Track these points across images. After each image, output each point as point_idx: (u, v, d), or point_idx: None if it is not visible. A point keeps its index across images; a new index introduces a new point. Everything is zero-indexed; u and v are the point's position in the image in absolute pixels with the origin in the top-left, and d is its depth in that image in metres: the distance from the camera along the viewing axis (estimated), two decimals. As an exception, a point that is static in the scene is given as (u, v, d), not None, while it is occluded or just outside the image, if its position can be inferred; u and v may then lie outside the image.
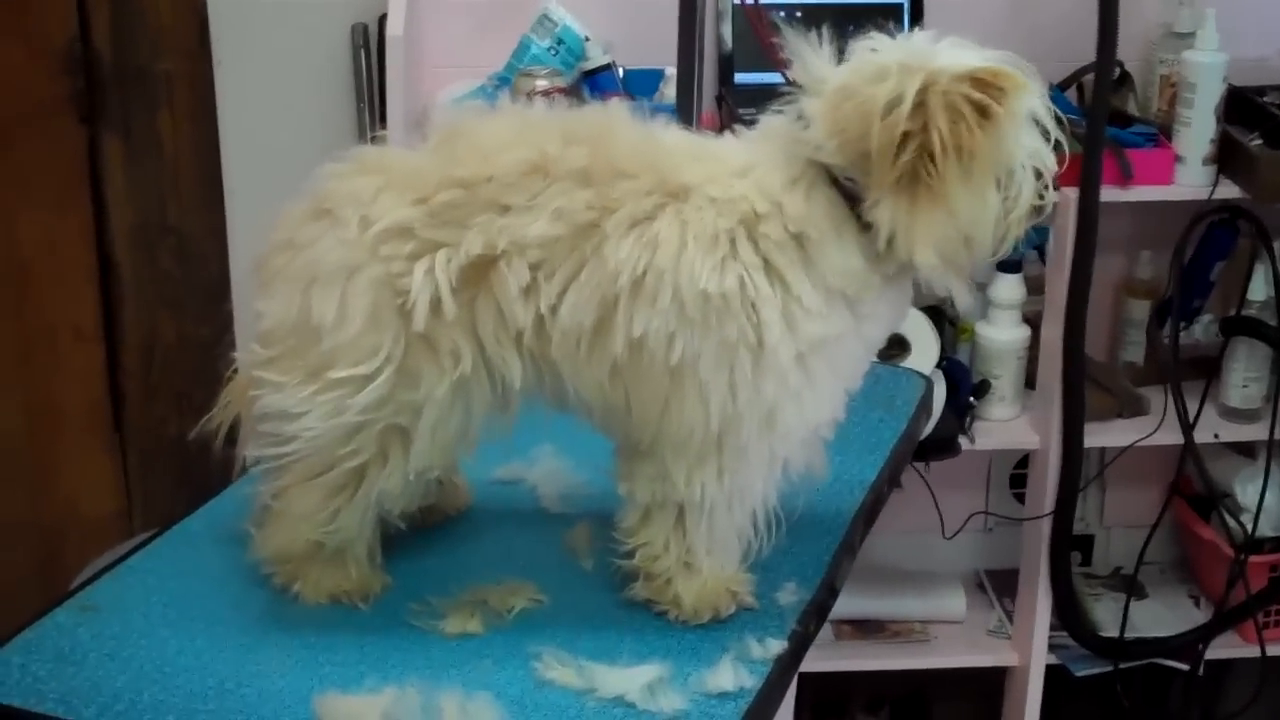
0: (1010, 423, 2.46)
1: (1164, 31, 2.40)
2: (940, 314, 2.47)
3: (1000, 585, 2.71)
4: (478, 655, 1.25)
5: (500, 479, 1.52)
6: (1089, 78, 2.29)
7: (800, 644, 1.29)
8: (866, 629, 2.62)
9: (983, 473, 2.71)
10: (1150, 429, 2.41)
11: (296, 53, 2.52)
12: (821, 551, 1.40)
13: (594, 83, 2.32)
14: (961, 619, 2.64)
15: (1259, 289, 2.42)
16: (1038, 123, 1.20)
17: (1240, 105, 2.33)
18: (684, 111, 2.05)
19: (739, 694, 1.20)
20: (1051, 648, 2.54)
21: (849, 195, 1.20)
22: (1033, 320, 2.46)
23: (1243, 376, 2.44)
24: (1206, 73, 2.26)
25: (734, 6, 2.40)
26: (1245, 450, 2.57)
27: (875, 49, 1.21)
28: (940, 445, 2.29)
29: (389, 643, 1.27)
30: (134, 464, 2.78)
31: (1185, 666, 2.57)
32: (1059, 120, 1.21)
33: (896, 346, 2.28)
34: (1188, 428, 2.39)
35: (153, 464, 2.78)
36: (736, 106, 2.30)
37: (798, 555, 1.37)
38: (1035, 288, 2.45)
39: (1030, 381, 2.47)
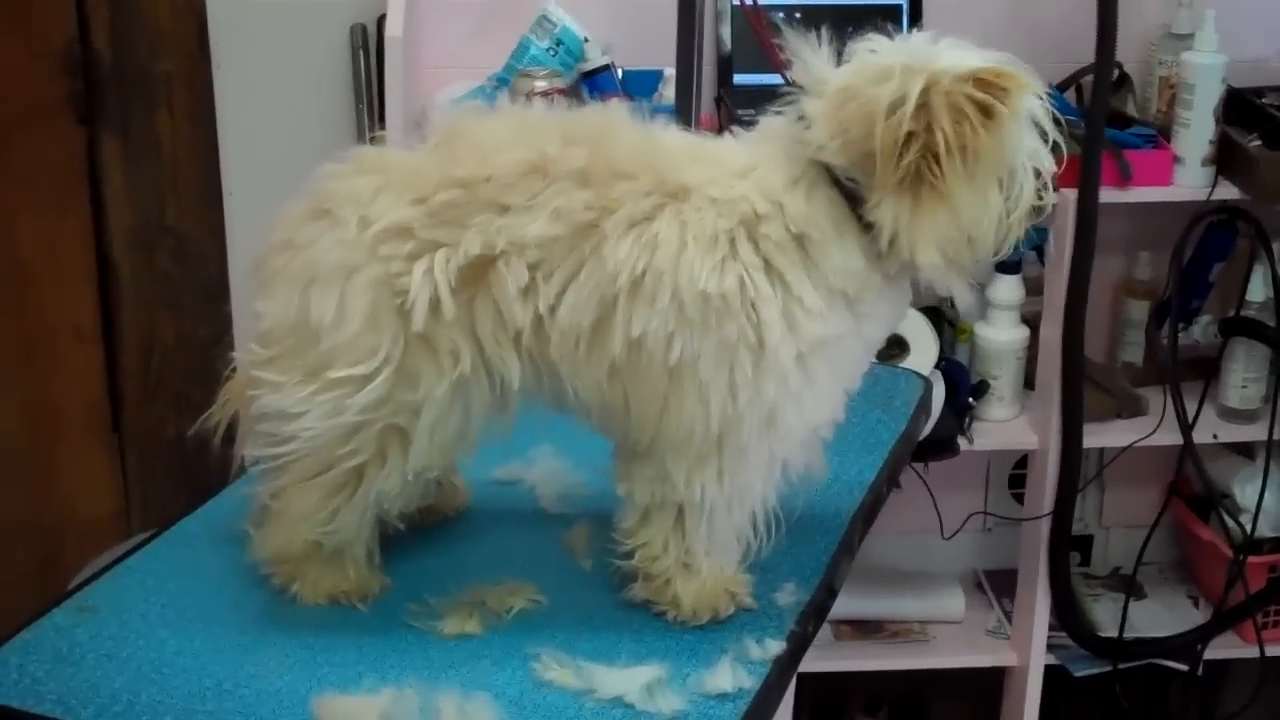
0: (1009, 423, 2.47)
1: (1163, 33, 2.40)
2: (939, 315, 2.48)
3: (999, 585, 2.71)
4: (476, 656, 1.25)
5: (499, 479, 1.52)
6: (1088, 79, 2.30)
7: (799, 645, 1.29)
8: (865, 629, 2.62)
9: (981, 473, 2.71)
10: (1149, 429, 2.42)
11: (295, 54, 2.52)
12: (820, 552, 1.40)
13: (593, 83, 2.32)
14: (960, 619, 2.64)
15: (1258, 290, 2.42)
16: (1036, 124, 1.20)
17: (1239, 106, 2.33)
18: (683, 112, 2.05)
19: (738, 695, 1.20)
20: (1050, 648, 2.54)
21: (850, 195, 1.20)
22: (1031, 321, 2.46)
23: (1241, 377, 2.44)
24: (1205, 74, 2.26)
25: (733, 7, 2.40)
26: (1244, 451, 2.57)
27: (874, 50, 1.21)
28: (939, 445, 2.29)
29: (387, 643, 1.27)
30: (132, 464, 2.78)
31: (1184, 667, 2.57)
32: (1057, 121, 1.21)
33: (895, 347, 2.28)
34: (1186, 428, 2.39)
35: (151, 464, 2.78)
36: (735, 107, 2.30)
37: (796, 556, 1.37)
38: (1034, 288, 2.45)
39: (1029, 382, 2.48)
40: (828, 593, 1.37)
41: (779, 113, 1.25)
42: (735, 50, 2.41)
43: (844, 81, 1.20)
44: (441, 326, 1.22)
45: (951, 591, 2.67)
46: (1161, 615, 2.63)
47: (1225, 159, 2.30)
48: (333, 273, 1.23)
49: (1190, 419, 2.40)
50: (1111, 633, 2.55)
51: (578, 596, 1.33)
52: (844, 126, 1.18)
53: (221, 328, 2.64)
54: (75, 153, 2.62)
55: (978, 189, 1.17)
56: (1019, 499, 2.66)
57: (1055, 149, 1.21)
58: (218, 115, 2.56)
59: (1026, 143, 1.19)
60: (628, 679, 1.20)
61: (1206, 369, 2.47)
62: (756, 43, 1.75)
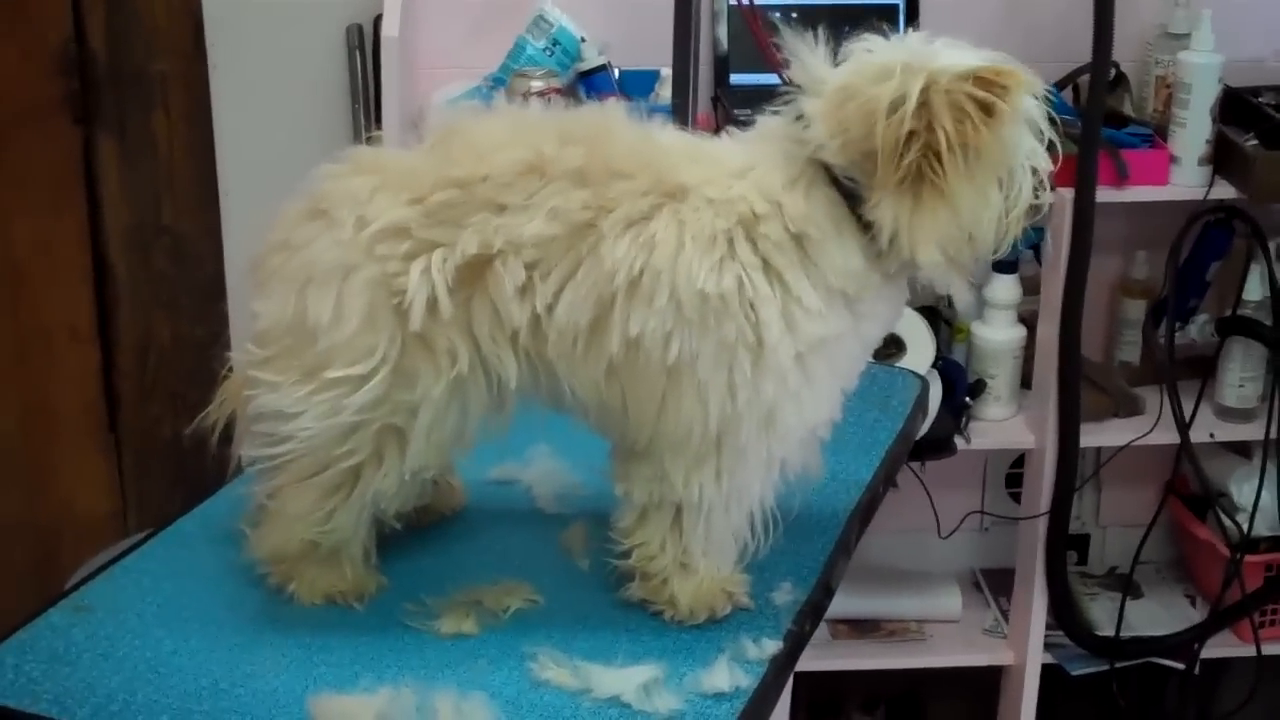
0: (1006, 422, 2.47)
1: (1159, 32, 2.41)
2: (936, 314, 2.48)
3: (996, 584, 2.71)
4: (473, 655, 1.25)
5: (495, 479, 1.52)
6: (1085, 78, 2.30)
7: (796, 644, 1.29)
8: (862, 628, 2.62)
9: (978, 472, 2.71)
10: (1146, 429, 2.42)
11: (291, 54, 2.52)
12: (817, 551, 1.40)
13: (589, 83, 2.32)
14: (957, 618, 2.64)
15: (1254, 289, 2.42)
16: (1032, 123, 1.20)
17: (1236, 106, 2.33)
18: (679, 112, 2.05)
19: (734, 694, 1.20)
20: (1047, 647, 2.54)
21: (849, 195, 1.21)
22: (1028, 320, 2.46)
23: (1238, 376, 2.44)
24: (1202, 73, 2.26)
25: (730, 7, 2.40)
26: (1241, 450, 2.57)
27: (870, 50, 1.21)
28: (936, 445, 2.29)
29: (384, 643, 1.27)
30: (129, 464, 2.78)
31: (1181, 666, 2.57)
32: (1052, 120, 1.21)
33: (892, 346, 2.28)
34: (1183, 427, 2.40)
35: (148, 464, 2.78)
36: (732, 107, 2.29)
37: (793, 555, 1.37)
38: (1031, 288, 2.45)
39: (1026, 381, 2.48)
40: (824, 592, 1.37)
41: (776, 112, 1.26)
42: (732, 50, 2.41)
43: (843, 81, 1.20)
44: (439, 326, 1.22)
45: (948, 591, 2.67)
46: (1158, 614, 2.63)
47: (1222, 158, 2.30)
48: (330, 273, 1.23)
49: (1187, 418, 2.40)
50: (1108, 632, 2.55)
51: (574, 596, 1.33)
52: (844, 126, 1.19)
53: (218, 328, 2.64)
54: (71, 153, 2.62)
55: (978, 187, 1.17)
56: (1016, 498, 2.66)
57: (1051, 148, 1.21)
58: (214, 115, 2.56)
59: (1025, 141, 1.19)
60: (624, 678, 1.20)
61: (1203, 368, 2.47)
62: (753, 42, 1.76)
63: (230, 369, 1.39)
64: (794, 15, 2.34)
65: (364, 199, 1.24)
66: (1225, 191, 2.30)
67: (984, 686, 2.66)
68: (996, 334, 2.43)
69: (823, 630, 2.55)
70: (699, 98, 2.25)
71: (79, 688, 1.20)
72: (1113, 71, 2.33)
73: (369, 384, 1.22)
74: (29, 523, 2.77)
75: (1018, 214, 1.21)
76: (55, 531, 2.77)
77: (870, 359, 1.33)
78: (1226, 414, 2.47)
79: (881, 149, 1.16)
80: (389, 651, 1.25)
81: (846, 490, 1.50)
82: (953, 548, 2.69)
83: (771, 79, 1.31)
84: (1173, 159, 2.30)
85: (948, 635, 2.62)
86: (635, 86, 2.35)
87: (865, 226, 1.21)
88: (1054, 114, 1.22)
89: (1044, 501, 2.43)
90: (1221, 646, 2.57)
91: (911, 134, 1.16)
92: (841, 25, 1.28)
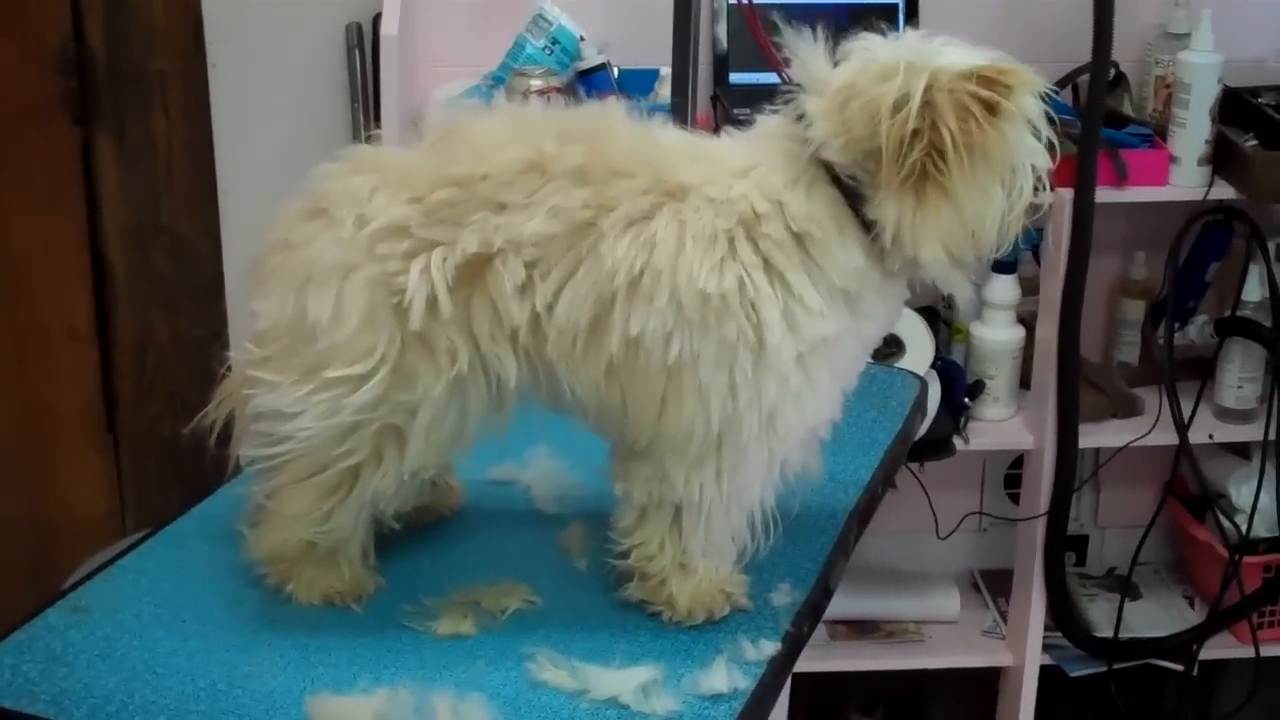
0: (1005, 423, 2.46)
1: (1159, 32, 2.41)
2: (935, 314, 2.48)
3: (995, 585, 2.71)
4: (471, 656, 1.24)
5: (494, 479, 1.52)
6: (1084, 78, 2.29)
7: (794, 645, 1.29)
8: (861, 629, 2.62)
9: (977, 473, 2.71)
10: (1145, 429, 2.42)
11: (290, 52, 2.52)
12: (816, 552, 1.40)
13: (589, 82, 2.32)
14: (956, 619, 2.64)
15: (1253, 290, 2.42)
16: (1030, 122, 1.20)
17: (1235, 106, 2.33)
18: (679, 111, 2.05)
19: (732, 695, 1.20)
20: (1046, 648, 2.54)
21: (850, 194, 1.20)
22: (1027, 321, 2.46)
23: (1237, 377, 2.44)
24: (1202, 73, 2.26)
25: (729, 6, 2.39)
26: (1240, 451, 2.57)
27: (869, 49, 1.21)
28: (935, 445, 2.29)
29: (382, 644, 1.26)
30: (127, 464, 2.78)
31: (1179, 667, 2.57)
32: (1050, 119, 1.21)
33: (891, 347, 2.27)
34: (1182, 428, 2.39)
35: (146, 464, 2.78)
36: (731, 106, 2.29)
37: (792, 556, 1.37)
38: (1030, 288, 2.45)
39: (1025, 382, 2.47)
40: (823, 593, 1.37)
41: (775, 111, 1.25)
42: (731, 49, 2.41)
43: (845, 80, 1.20)
44: (438, 325, 1.22)
45: (947, 591, 2.67)
46: (1157, 615, 2.63)
47: (1221, 159, 2.30)
48: (329, 272, 1.23)
49: (1186, 419, 2.40)
50: (1107, 633, 2.55)
51: (573, 597, 1.33)
52: (847, 125, 1.19)
53: (216, 327, 2.64)
54: (70, 152, 2.62)
55: (982, 186, 1.18)
56: (1014, 499, 2.66)
57: (1050, 147, 1.21)
58: (213, 114, 2.56)
59: (1027, 140, 1.20)
60: (622, 680, 1.20)
61: (1202, 369, 2.47)
62: (753, 42, 1.75)
63: (229, 369, 1.38)
64: (794, 14, 2.33)
65: (364, 198, 1.24)
66: (1225, 192, 2.30)
67: (982, 687, 2.66)
68: (995, 334, 2.43)
69: (821, 631, 2.55)
70: (698, 97, 2.24)
71: (76, 688, 1.20)
72: (1112, 71, 2.33)
73: (368, 383, 1.22)
74: (27, 522, 2.77)
75: (1019, 212, 1.21)
76: (53, 531, 2.77)
77: (869, 359, 1.33)
78: (1225, 415, 2.47)
79: (885, 148, 1.16)
80: (387, 652, 1.25)
81: (845, 491, 1.50)
82: (951, 548, 2.68)
83: (771, 78, 1.31)
84: (1172, 159, 2.30)
85: (946, 636, 2.62)
86: (634, 85, 2.35)
87: (867, 225, 1.21)
88: (1052, 113, 1.22)
89: (1043, 502, 2.43)
90: (1220, 648, 2.57)
91: (915, 133, 1.16)
92: (841, 24, 1.28)
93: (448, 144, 1.26)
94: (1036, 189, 1.21)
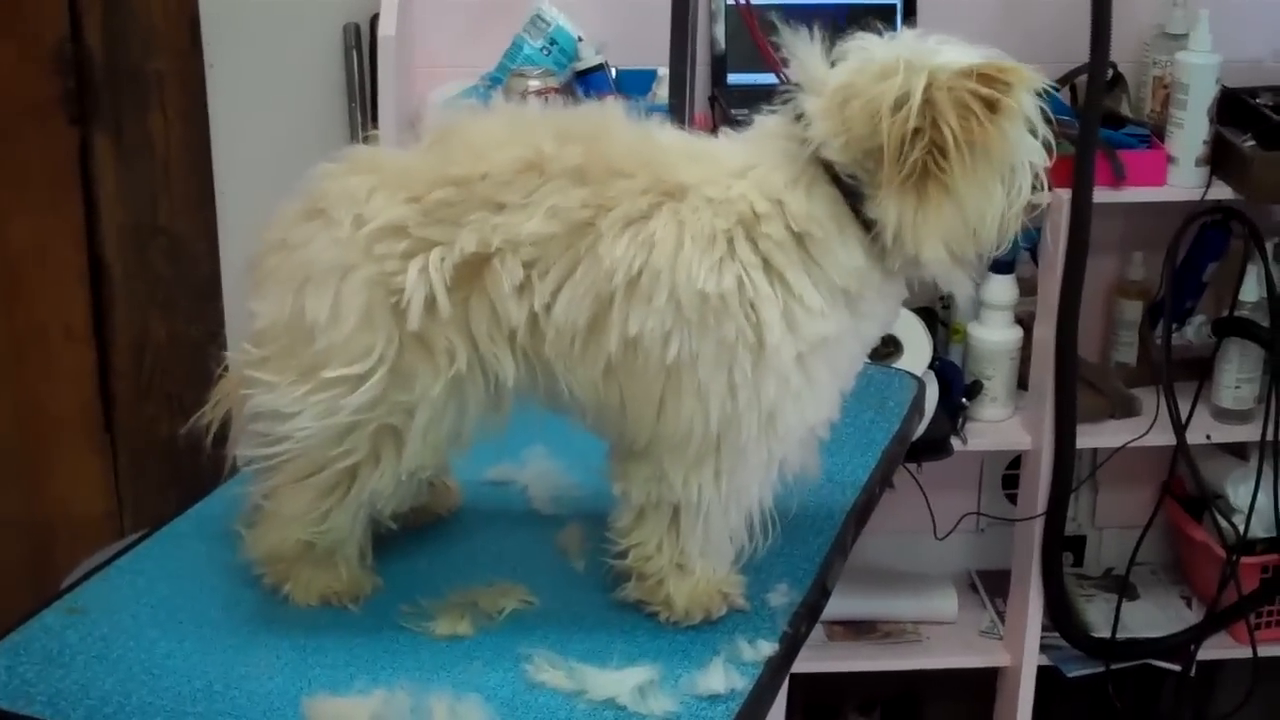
0: (1002, 423, 2.46)
1: (1157, 32, 2.40)
2: (932, 315, 2.48)
3: (992, 586, 2.71)
4: (468, 657, 1.24)
5: (491, 480, 1.52)
6: (1082, 78, 2.29)
7: (791, 646, 1.29)
8: (858, 630, 2.62)
9: (975, 473, 2.71)
10: (1142, 430, 2.42)
11: (288, 53, 2.52)
12: (813, 552, 1.40)
13: (587, 83, 2.32)
14: (953, 620, 2.64)
15: (1251, 290, 2.42)
16: (1033, 119, 1.20)
17: (1233, 106, 2.33)
18: (676, 112, 2.05)
19: (730, 696, 1.20)
20: (1043, 648, 2.54)
21: (850, 193, 1.20)
22: (1025, 321, 2.46)
23: (1235, 377, 2.44)
24: (1199, 74, 2.26)
25: (727, 7, 2.39)
26: (1237, 451, 2.57)
27: (867, 48, 1.21)
28: (932, 446, 2.29)
29: (379, 644, 1.26)
30: (125, 464, 2.78)
31: (1177, 667, 2.57)
32: (1047, 119, 1.21)
33: (889, 347, 2.27)
34: (1180, 429, 2.39)
35: (143, 464, 2.77)
36: (729, 107, 2.29)
37: (789, 556, 1.37)
38: (1028, 289, 2.45)
39: (1023, 382, 2.47)
40: (820, 593, 1.37)
41: (774, 111, 1.25)
42: (729, 50, 2.41)
43: (844, 79, 1.20)
44: (437, 325, 1.22)
45: (944, 592, 2.66)
46: (1154, 616, 2.63)
47: (1219, 159, 2.30)
48: (327, 272, 1.23)
49: (1183, 419, 2.40)
50: (1104, 633, 2.55)
51: (570, 598, 1.33)
52: (847, 124, 1.19)
53: (214, 328, 2.64)
54: (67, 152, 2.62)
55: (983, 183, 1.18)
56: (1012, 499, 2.66)
57: (1047, 145, 1.22)
58: (210, 115, 2.56)
59: (1027, 137, 1.20)
60: (620, 680, 1.20)
61: (1200, 369, 2.47)
62: (750, 42, 1.75)
63: (226, 369, 1.38)
64: (792, 15, 2.33)
65: (361, 198, 1.23)
66: (1222, 192, 2.30)
67: (980, 688, 2.66)
68: (993, 335, 2.43)
69: (819, 632, 2.55)
70: (696, 97, 2.24)
71: (73, 689, 1.20)
72: (1110, 72, 2.33)
73: (366, 384, 1.22)
74: (24, 522, 2.77)
75: (1018, 210, 1.21)
76: (50, 531, 2.77)
77: (867, 360, 1.33)
78: (1223, 415, 2.47)
79: (886, 146, 1.16)
80: (384, 653, 1.25)
81: (842, 491, 1.50)
82: (949, 549, 2.68)
83: (769, 79, 1.31)
84: (1170, 159, 2.30)
85: (944, 637, 2.62)
86: (632, 86, 2.35)
87: (867, 224, 1.21)
88: (1050, 112, 1.22)
89: (1040, 503, 2.43)
90: (1218, 648, 2.57)
91: (916, 131, 1.16)
92: (839, 24, 1.28)
93: (446, 144, 1.26)
94: (1035, 187, 1.21)
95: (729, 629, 1.28)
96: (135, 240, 2.67)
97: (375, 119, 2.37)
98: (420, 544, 1.41)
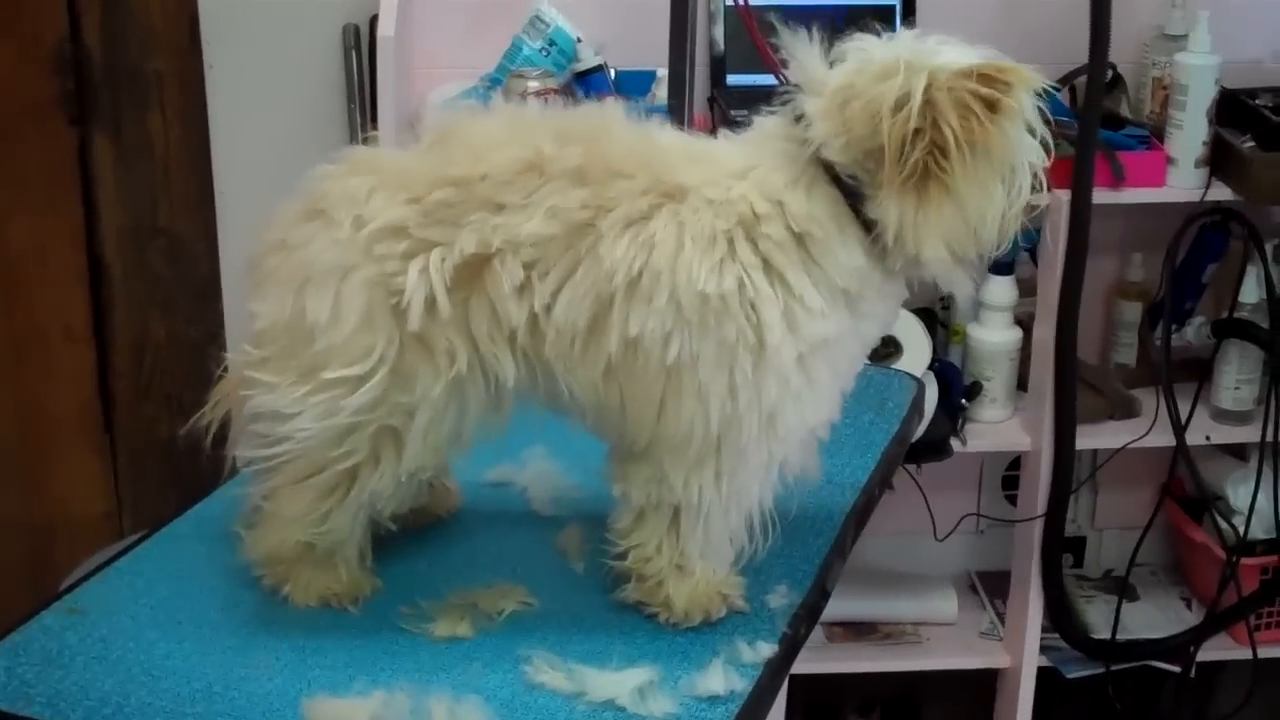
0: (1002, 425, 2.46)
1: (1156, 34, 2.40)
2: (932, 316, 2.47)
3: (992, 587, 2.71)
4: (467, 658, 1.24)
5: (491, 481, 1.52)
6: (1081, 80, 2.29)
7: (791, 647, 1.29)
8: (858, 631, 2.62)
9: (974, 474, 2.71)
10: (1142, 431, 2.41)
11: (287, 53, 2.52)
12: (812, 554, 1.40)
13: (586, 84, 2.32)
14: (953, 621, 2.64)
15: (1250, 291, 2.42)
16: (1032, 119, 1.20)
17: (1232, 107, 2.33)
18: (675, 113, 2.05)
19: (729, 697, 1.20)
20: (1043, 650, 2.54)
21: (850, 193, 1.20)
22: (1025, 322, 2.46)
23: (1234, 378, 2.44)
24: (1199, 75, 2.26)
25: (726, 8, 2.39)
26: (1237, 452, 2.57)
27: (865, 49, 1.21)
28: (932, 447, 2.29)
29: (378, 646, 1.26)
30: (124, 465, 2.78)
31: (1177, 668, 2.57)
32: (1045, 119, 1.21)
33: (889, 348, 2.27)
34: (1179, 430, 2.39)
35: (143, 465, 2.77)
36: (728, 108, 2.29)
37: (789, 557, 1.37)
38: (1027, 290, 2.44)
39: (1022, 383, 2.47)
40: (820, 594, 1.37)
41: (773, 113, 1.25)
42: (728, 51, 2.41)
43: (844, 80, 1.20)
44: (437, 326, 1.22)
45: (944, 593, 2.66)
46: (1154, 617, 2.63)
47: (1218, 160, 2.29)
48: (328, 273, 1.22)
49: (1183, 420, 2.40)
50: (1104, 634, 2.55)
51: (569, 599, 1.33)
52: (847, 125, 1.19)
53: (213, 328, 2.64)
54: (66, 152, 2.62)
55: (983, 183, 1.18)
56: (1012, 500, 2.66)
57: (1044, 145, 1.22)
58: (210, 115, 2.56)
59: (1027, 137, 1.20)
60: (619, 682, 1.20)
61: (1199, 370, 2.47)
62: (750, 43, 1.75)
63: (225, 369, 1.38)
64: (790, 16, 2.33)
65: (361, 199, 1.23)
66: (1222, 193, 2.30)
67: (980, 689, 2.66)
68: (992, 336, 2.43)
69: (818, 633, 2.55)
70: (695, 98, 2.24)
71: (72, 690, 1.20)
72: (1110, 73, 2.33)
73: (367, 385, 1.22)
74: (23, 523, 2.77)
75: (1018, 210, 1.21)
76: (50, 532, 2.77)
77: (866, 361, 1.33)
78: (1223, 416, 2.47)
79: (888, 147, 1.16)
80: (383, 654, 1.25)
81: (842, 492, 1.50)
82: (948, 550, 2.68)
83: (768, 80, 1.31)
84: (1169, 161, 2.30)
85: (943, 638, 2.62)
86: (632, 87, 2.35)
87: (867, 225, 1.21)
88: (1048, 113, 1.22)
89: (1040, 504, 2.43)
90: (1218, 649, 2.57)
91: (917, 131, 1.16)
92: (838, 25, 1.28)
93: (445, 145, 1.26)
94: (1034, 188, 1.21)
95: (728, 630, 1.28)
96: (135, 240, 2.67)
97: (374, 120, 2.37)
98: (420, 545, 1.41)
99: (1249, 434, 2.45)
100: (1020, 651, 2.52)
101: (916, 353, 2.30)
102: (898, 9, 2.42)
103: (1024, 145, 1.20)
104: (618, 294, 1.19)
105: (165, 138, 2.62)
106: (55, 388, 2.72)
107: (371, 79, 2.41)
